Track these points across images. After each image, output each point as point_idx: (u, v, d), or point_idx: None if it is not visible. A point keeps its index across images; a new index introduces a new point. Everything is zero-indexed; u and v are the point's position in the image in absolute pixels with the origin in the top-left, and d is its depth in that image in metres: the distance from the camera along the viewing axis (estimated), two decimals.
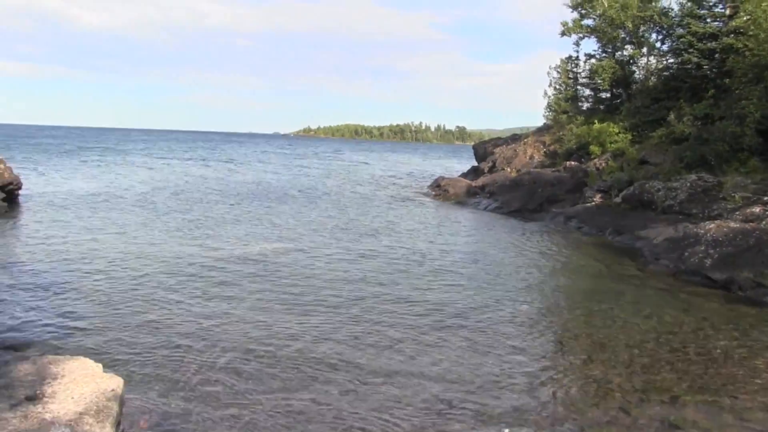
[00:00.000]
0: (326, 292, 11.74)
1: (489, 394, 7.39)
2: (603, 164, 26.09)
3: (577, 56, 39.40)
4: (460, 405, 7.10)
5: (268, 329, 9.45)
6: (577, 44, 38.52)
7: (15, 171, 22.76)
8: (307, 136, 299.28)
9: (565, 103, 39.04)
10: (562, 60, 40.82)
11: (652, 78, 33.33)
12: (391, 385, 7.58)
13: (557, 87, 41.29)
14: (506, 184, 29.93)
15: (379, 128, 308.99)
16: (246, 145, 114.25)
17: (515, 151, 35.88)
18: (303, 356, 8.37)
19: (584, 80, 38.71)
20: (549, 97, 42.02)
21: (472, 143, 63.98)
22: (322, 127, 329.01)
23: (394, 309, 10.84)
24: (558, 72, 41.26)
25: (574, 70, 39.72)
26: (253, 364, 8.04)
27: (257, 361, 8.12)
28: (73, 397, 4.60)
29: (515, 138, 39.83)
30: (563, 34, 37.14)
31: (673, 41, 30.17)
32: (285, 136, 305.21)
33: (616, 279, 14.20)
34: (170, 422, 6.33)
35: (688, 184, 19.36)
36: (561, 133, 33.76)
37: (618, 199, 21.70)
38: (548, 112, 41.84)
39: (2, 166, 21.60)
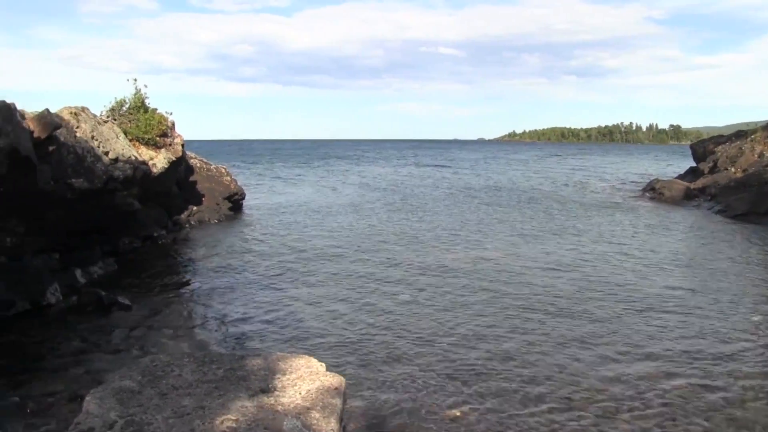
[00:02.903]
0: (543, 300, 11.85)
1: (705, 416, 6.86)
2: None
3: None
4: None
5: (487, 339, 9.36)
6: None
7: (240, 183, 25.43)
8: (512, 141, 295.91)
9: None
10: None
11: None
12: None
13: None
14: (730, 185, 27.85)
15: (586, 130, 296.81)
16: (454, 152, 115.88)
17: (740, 149, 33.01)
18: (515, 366, 8.29)
19: None
20: None
21: (689, 142, 59.81)
22: (527, 131, 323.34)
23: (620, 322, 10.79)
24: None
25: None
26: (469, 368, 8.08)
27: (474, 367, 8.13)
28: (300, 393, 4.90)
29: (740, 135, 36.58)
30: None
31: None
32: (490, 141, 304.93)
33: None
34: (387, 421, 6.64)
35: None
36: None
37: None
38: None
39: (229, 178, 24.32)
